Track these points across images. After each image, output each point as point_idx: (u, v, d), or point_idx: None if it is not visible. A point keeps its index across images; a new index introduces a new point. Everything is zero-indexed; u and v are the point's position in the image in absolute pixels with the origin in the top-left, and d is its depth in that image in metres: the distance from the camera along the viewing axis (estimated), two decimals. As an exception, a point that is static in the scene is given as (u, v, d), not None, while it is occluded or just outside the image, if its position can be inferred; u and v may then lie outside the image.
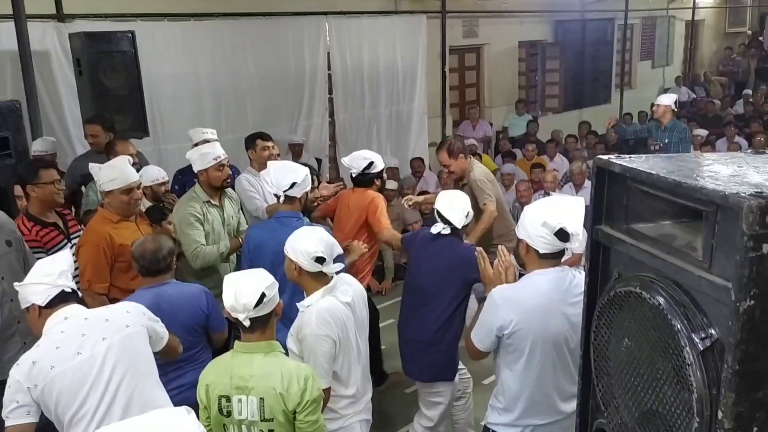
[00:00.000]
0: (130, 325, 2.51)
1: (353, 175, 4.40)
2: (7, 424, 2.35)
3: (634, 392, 1.58)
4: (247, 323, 2.32)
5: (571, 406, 2.55)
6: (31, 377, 2.33)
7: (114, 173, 3.56)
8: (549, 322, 2.50)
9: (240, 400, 2.35)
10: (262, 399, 2.32)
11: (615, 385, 1.67)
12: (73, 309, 2.49)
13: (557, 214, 2.44)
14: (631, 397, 1.60)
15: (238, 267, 4.26)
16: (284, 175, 3.56)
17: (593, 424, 1.82)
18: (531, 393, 2.58)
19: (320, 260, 2.69)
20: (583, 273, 2.60)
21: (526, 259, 2.59)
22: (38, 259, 3.46)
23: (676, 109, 7.07)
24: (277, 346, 2.43)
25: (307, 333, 2.64)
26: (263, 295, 2.28)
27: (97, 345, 2.41)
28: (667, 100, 7.02)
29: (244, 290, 2.29)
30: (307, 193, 3.67)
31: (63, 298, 2.48)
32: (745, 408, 1.30)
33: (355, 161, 4.39)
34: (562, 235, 2.43)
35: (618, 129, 8.34)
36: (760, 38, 17.34)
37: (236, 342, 2.42)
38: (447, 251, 3.37)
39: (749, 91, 13.88)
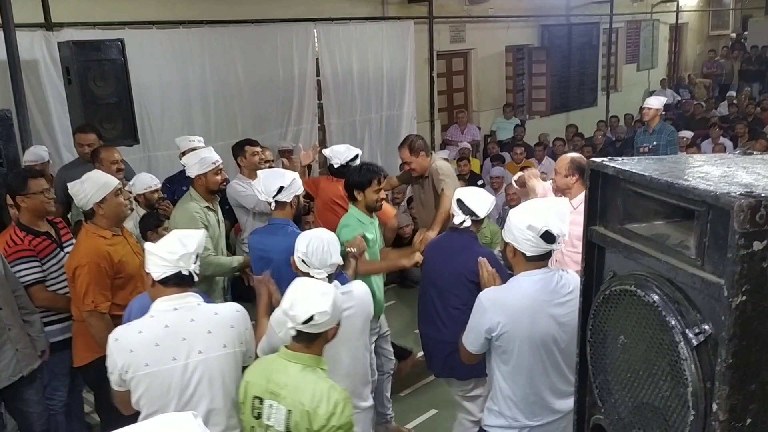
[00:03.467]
0: (228, 345, 2.48)
1: (335, 166, 4.49)
2: (111, 385, 2.51)
3: (631, 388, 1.61)
4: (292, 332, 2.29)
5: (567, 404, 2.57)
6: (125, 364, 2.39)
7: (100, 179, 3.50)
8: (536, 323, 2.53)
9: (271, 406, 2.31)
10: (289, 411, 2.27)
11: (611, 382, 1.70)
12: (186, 300, 2.48)
13: (542, 216, 2.47)
14: (627, 392, 1.63)
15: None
16: (272, 181, 3.58)
17: (590, 420, 1.85)
18: (524, 394, 2.61)
19: (303, 261, 2.74)
20: (571, 273, 2.65)
21: (514, 262, 2.61)
22: (26, 269, 3.50)
23: (663, 112, 7.13)
24: (322, 363, 2.36)
25: (271, 323, 2.68)
26: (312, 318, 2.23)
27: (192, 355, 2.41)
28: (657, 103, 7.07)
29: (299, 304, 2.24)
30: (298, 197, 3.68)
31: (178, 280, 2.47)
32: (739, 400, 1.34)
33: (339, 153, 4.48)
34: (548, 237, 2.46)
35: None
36: (743, 40, 17.57)
37: (282, 347, 2.38)
38: (466, 252, 3.31)
39: (733, 93, 14.04)
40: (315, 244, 2.74)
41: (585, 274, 1.82)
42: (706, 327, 1.39)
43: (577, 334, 1.85)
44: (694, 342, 1.40)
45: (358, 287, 2.97)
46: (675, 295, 1.47)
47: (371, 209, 3.89)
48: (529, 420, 2.64)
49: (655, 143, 6.85)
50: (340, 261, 2.84)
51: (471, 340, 2.68)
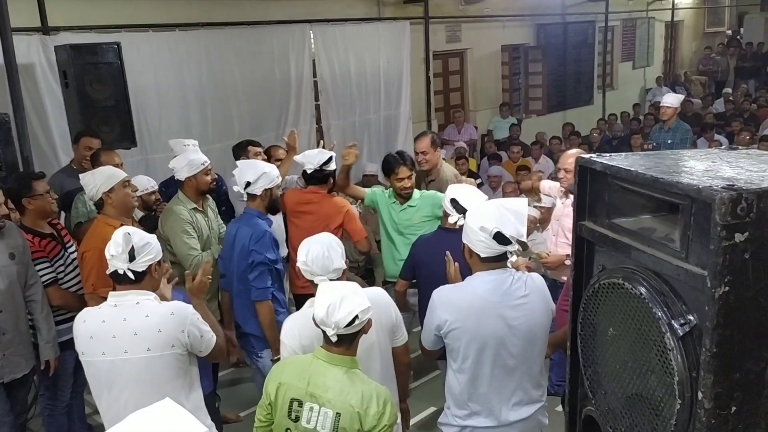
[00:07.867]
0: (153, 349, 2.49)
1: (308, 171, 4.35)
2: None
3: (620, 379, 1.64)
4: (334, 339, 2.27)
5: (517, 415, 2.56)
6: (76, 344, 2.59)
7: (107, 171, 3.68)
8: (483, 323, 2.51)
9: (312, 409, 2.29)
10: (338, 414, 2.25)
11: (602, 373, 1.74)
12: (125, 298, 2.53)
13: (494, 218, 2.45)
14: (617, 383, 1.66)
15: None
16: (243, 174, 3.67)
17: (582, 411, 1.89)
18: (469, 394, 2.61)
19: (304, 270, 2.71)
20: (534, 277, 2.60)
21: (471, 262, 2.62)
22: (41, 270, 3.56)
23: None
24: (357, 363, 2.36)
25: (281, 336, 2.71)
26: (356, 318, 2.23)
27: (119, 354, 2.48)
28: (675, 101, 7.02)
29: (339, 309, 2.23)
30: (270, 190, 3.71)
31: (117, 278, 2.54)
32: (724, 388, 1.37)
33: (311, 157, 4.36)
34: (500, 238, 2.43)
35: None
36: (739, 37, 17.61)
37: (318, 348, 2.36)
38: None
39: (729, 90, 14.08)
40: (315, 251, 2.67)
41: (575, 267, 1.86)
42: (691, 318, 1.43)
43: (568, 327, 1.88)
44: (680, 332, 1.43)
45: (371, 292, 2.79)
46: (661, 287, 1.50)
47: (398, 195, 4.31)
48: (470, 420, 2.62)
49: (670, 141, 6.84)
50: (343, 265, 2.75)
51: (425, 337, 2.73)
